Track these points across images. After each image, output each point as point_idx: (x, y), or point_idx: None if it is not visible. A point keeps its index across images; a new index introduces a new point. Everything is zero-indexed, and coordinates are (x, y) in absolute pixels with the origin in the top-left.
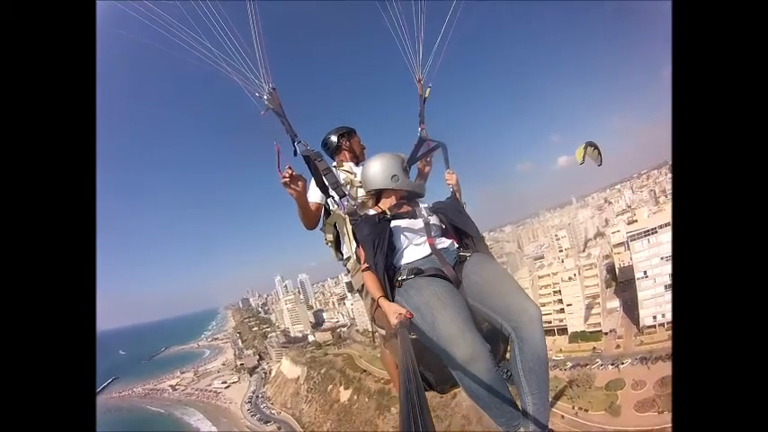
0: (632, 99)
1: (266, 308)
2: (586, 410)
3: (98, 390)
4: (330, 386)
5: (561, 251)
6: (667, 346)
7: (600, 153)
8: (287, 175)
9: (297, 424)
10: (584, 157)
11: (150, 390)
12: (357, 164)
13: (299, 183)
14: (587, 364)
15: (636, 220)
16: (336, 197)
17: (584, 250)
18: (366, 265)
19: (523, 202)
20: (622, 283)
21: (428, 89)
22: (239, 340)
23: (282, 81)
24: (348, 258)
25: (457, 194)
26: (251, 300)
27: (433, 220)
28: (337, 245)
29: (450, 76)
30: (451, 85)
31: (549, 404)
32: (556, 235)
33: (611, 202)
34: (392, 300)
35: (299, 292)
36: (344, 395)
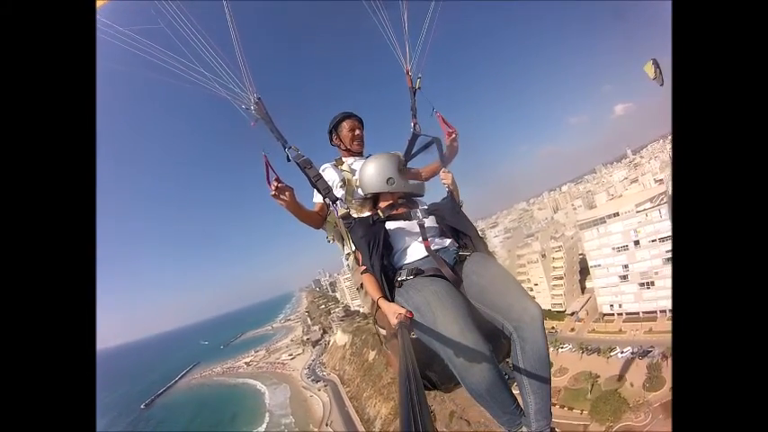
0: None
1: (334, 287)
2: None
3: (180, 375)
4: (365, 349)
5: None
6: (610, 339)
7: (661, 72)
8: (274, 188)
9: (339, 381)
10: (653, 72)
11: (228, 368)
12: (360, 153)
13: (287, 193)
14: None
15: (595, 206)
16: (329, 201)
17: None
18: (363, 267)
19: (580, 157)
20: None
21: (418, 80)
22: (308, 319)
23: (272, 82)
24: (349, 255)
25: (453, 194)
26: (322, 280)
27: (429, 221)
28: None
29: (479, 41)
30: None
31: (551, 404)
32: (572, 204)
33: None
34: (392, 300)
35: None
36: (371, 355)
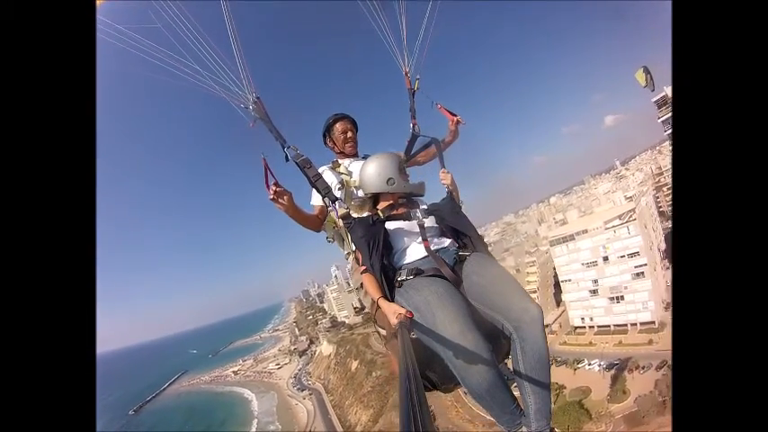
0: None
1: (322, 297)
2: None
3: (167, 383)
4: (348, 359)
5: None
6: (580, 351)
7: (652, 79)
8: (272, 193)
9: (324, 390)
10: (644, 79)
11: (215, 377)
12: (355, 155)
13: (285, 197)
14: None
15: (567, 222)
16: (329, 201)
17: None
18: (363, 267)
19: (571, 168)
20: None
21: (417, 81)
22: (296, 329)
23: (272, 84)
24: (348, 254)
25: (453, 194)
26: (310, 290)
27: (429, 221)
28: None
29: (479, 51)
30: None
31: (552, 404)
32: (554, 218)
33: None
34: (392, 300)
35: (348, 281)
36: (353, 365)
